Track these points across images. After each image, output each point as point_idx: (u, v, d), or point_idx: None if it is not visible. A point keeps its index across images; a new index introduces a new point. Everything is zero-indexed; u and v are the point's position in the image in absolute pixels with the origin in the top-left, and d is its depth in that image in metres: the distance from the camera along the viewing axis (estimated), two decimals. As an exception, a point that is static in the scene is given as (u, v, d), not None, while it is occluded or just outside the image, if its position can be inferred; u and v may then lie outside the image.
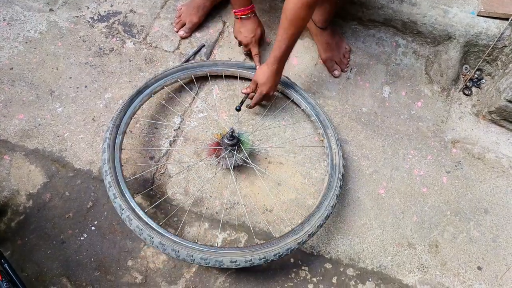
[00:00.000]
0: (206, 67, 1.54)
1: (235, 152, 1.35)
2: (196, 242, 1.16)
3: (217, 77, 1.59)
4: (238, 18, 1.50)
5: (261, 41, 1.59)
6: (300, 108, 1.54)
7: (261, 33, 1.55)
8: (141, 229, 1.14)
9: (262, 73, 1.40)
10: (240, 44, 1.61)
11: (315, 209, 1.27)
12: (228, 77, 1.59)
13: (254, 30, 1.52)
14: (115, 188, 1.19)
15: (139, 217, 1.16)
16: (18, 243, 1.32)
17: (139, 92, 1.40)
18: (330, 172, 1.36)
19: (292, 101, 1.55)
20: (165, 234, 1.14)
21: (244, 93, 1.47)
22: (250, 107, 1.50)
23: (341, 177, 1.34)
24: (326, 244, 1.37)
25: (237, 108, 1.44)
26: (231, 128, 1.30)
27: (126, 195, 1.20)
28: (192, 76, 1.52)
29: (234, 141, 1.33)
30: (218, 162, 1.39)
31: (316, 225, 1.23)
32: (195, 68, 1.52)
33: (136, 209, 1.18)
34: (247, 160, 1.37)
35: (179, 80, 1.49)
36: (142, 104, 1.42)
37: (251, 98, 1.48)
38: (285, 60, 1.38)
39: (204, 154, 1.47)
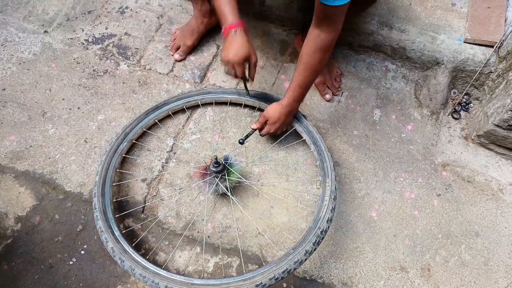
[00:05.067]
0: (203, 95, 1.56)
1: (217, 180, 1.34)
2: (198, 277, 1.21)
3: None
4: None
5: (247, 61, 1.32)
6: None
7: (247, 55, 1.27)
8: (133, 269, 1.16)
9: (274, 112, 1.37)
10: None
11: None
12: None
13: (243, 49, 1.26)
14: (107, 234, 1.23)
15: (134, 259, 1.19)
16: (5, 268, 1.29)
17: (129, 131, 1.46)
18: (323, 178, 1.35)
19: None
20: (162, 273, 1.15)
21: (253, 128, 1.44)
22: (262, 136, 1.48)
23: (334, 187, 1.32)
24: (319, 268, 1.36)
25: (240, 141, 1.41)
26: (214, 156, 1.30)
27: (120, 241, 1.23)
28: (184, 107, 1.55)
29: (219, 168, 1.31)
30: (200, 187, 1.40)
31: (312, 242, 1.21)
32: (187, 98, 1.55)
33: (129, 251, 1.21)
34: (226, 192, 1.35)
35: (170, 112, 1.54)
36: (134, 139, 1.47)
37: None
38: (300, 102, 1.38)
39: (194, 176, 1.46)
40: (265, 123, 1.41)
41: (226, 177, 1.34)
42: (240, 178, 1.37)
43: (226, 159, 1.37)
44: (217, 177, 1.34)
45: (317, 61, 1.25)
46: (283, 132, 1.48)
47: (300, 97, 1.36)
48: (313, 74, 1.30)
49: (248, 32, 1.29)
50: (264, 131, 1.43)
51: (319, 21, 1.18)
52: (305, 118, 1.48)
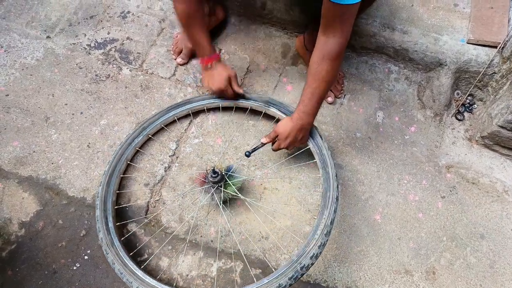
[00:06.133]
0: (208, 100, 1.55)
1: (213, 190, 1.32)
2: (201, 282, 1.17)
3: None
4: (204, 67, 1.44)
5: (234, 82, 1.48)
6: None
7: (227, 76, 1.43)
8: (130, 282, 1.18)
9: (285, 127, 1.31)
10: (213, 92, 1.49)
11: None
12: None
13: (224, 73, 1.42)
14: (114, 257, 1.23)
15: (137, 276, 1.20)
16: (9, 273, 1.29)
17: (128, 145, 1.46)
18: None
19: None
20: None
21: (262, 143, 1.37)
22: (274, 151, 1.41)
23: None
24: (323, 272, 1.36)
25: (247, 153, 1.36)
26: (212, 167, 1.29)
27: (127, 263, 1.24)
28: (190, 112, 1.55)
29: (217, 179, 1.29)
30: (199, 192, 1.40)
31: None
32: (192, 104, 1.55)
33: (131, 267, 1.22)
34: (219, 204, 1.33)
35: (175, 118, 1.54)
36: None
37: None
38: (313, 115, 1.29)
39: (195, 181, 1.45)
40: (276, 137, 1.36)
41: (222, 188, 1.32)
42: (236, 193, 1.33)
43: (228, 169, 1.35)
44: (213, 187, 1.32)
45: (325, 70, 1.18)
46: (297, 148, 1.43)
47: (311, 110, 1.27)
48: (322, 85, 1.21)
49: (222, 61, 1.46)
50: (275, 146, 1.37)
51: (327, 25, 1.12)
52: (321, 138, 1.38)
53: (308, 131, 1.34)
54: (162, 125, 1.52)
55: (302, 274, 1.14)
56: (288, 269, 1.13)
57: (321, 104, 1.31)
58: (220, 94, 1.48)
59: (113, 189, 1.36)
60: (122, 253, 1.23)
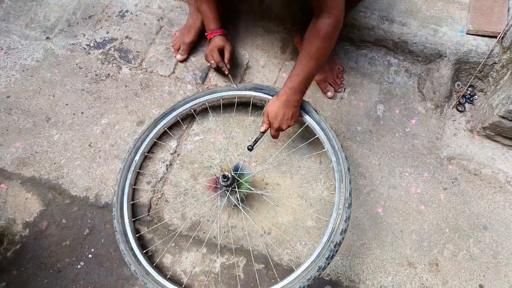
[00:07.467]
0: (209, 95, 1.53)
1: (228, 194, 1.32)
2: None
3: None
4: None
5: (224, 55, 1.56)
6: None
7: (221, 46, 1.54)
8: None
9: (272, 105, 1.31)
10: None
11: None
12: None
13: (219, 43, 1.54)
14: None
15: (156, 281, 1.23)
16: (14, 273, 1.30)
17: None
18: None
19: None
20: None
21: (261, 132, 1.36)
22: (274, 138, 1.39)
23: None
24: (326, 265, 1.36)
25: (249, 147, 1.32)
26: (223, 172, 1.28)
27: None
28: (191, 110, 1.54)
29: (229, 182, 1.29)
30: (214, 198, 1.41)
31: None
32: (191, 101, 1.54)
33: (152, 273, 1.25)
34: (238, 205, 1.33)
35: (178, 118, 1.53)
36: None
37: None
38: (300, 92, 1.29)
39: (206, 189, 1.44)
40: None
41: (237, 189, 1.32)
42: (250, 189, 1.34)
43: (236, 168, 1.34)
44: (227, 190, 1.32)
45: (316, 47, 1.21)
46: (294, 129, 1.43)
47: (297, 87, 1.27)
48: (311, 62, 1.23)
49: (227, 36, 1.58)
50: (272, 131, 1.36)
51: (318, 7, 1.18)
52: (317, 113, 1.38)
53: (296, 108, 1.33)
54: (165, 128, 1.51)
55: (336, 251, 1.15)
56: (323, 250, 1.14)
57: (310, 84, 1.31)
58: (210, 59, 1.56)
59: (127, 201, 1.38)
60: (145, 263, 1.26)
